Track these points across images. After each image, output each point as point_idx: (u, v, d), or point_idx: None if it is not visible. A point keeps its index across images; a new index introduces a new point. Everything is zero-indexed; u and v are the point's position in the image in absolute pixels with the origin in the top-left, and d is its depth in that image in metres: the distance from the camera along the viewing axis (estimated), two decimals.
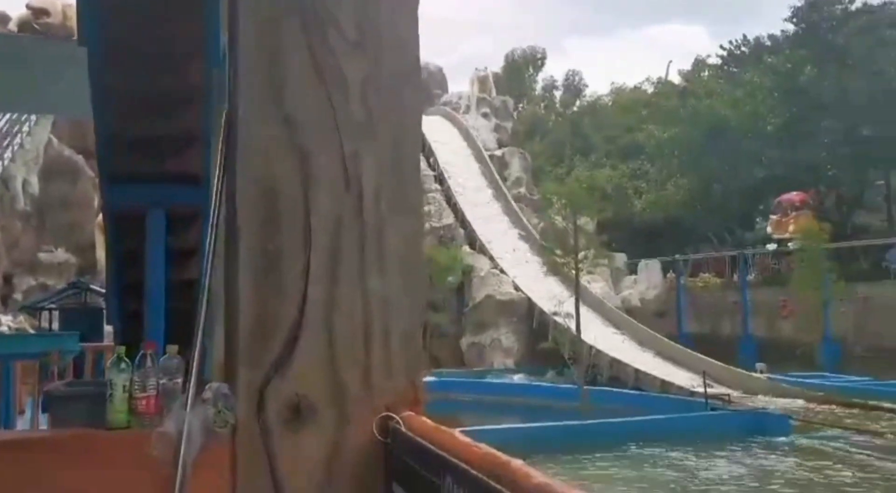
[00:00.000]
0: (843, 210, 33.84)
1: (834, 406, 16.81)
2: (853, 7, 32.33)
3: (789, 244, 29.70)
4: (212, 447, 2.49)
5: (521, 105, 43.59)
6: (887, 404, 16.23)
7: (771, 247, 30.96)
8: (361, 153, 2.72)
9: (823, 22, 31.78)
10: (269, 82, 2.66)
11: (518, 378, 22.88)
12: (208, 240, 2.80)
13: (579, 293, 17.83)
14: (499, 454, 1.90)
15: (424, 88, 37.79)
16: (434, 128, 35.72)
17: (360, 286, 2.67)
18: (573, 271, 17.79)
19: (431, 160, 33.83)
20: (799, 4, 32.60)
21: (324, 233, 2.64)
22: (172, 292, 4.89)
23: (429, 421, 2.52)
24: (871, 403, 16.57)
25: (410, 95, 2.90)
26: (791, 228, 29.71)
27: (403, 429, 2.51)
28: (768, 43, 40.74)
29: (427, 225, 29.53)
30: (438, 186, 32.30)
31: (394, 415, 2.58)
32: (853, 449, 13.07)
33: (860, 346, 27.48)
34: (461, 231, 30.08)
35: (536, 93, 44.98)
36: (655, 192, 36.51)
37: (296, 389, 2.54)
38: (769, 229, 31.11)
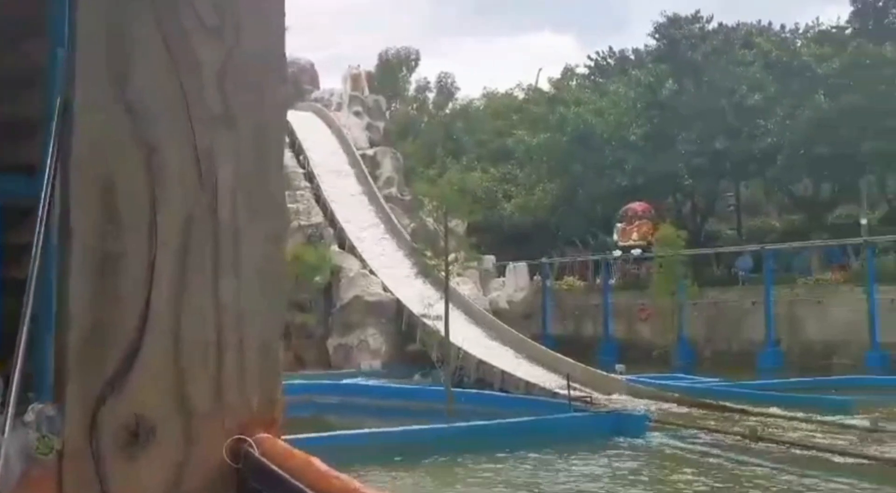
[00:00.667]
0: (698, 218, 35.68)
1: (686, 407, 17.59)
2: (710, 27, 34.17)
3: (632, 251, 31.26)
4: (34, 475, 2.18)
5: (393, 105, 43.53)
6: (733, 405, 17.13)
7: (616, 253, 32.50)
8: (217, 147, 2.48)
9: (683, 39, 33.41)
10: (111, 65, 2.37)
11: (385, 381, 22.73)
12: (36, 239, 2.47)
13: (449, 295, 17.87)
14: (358, 485, 1.73)
15: (295, 83, 37.06)
16: (305, 124, 35.04)
17: (211, 293, 2.42)
18: (443, 273, 17.81)
19: (301, 157, 33.16)
20: (662, 21, 34.13)
21: (172, 233, 2.38)
22: (3, 294, 4.41)
23: (286, 445, 2.30)
24: (720, 403, 17.45)
25: (274, 86, 2.68)
26: (634, 235, 31.63)
27: (257, 454, 2.28)
28: (633, 56, 42.52)
29: (295, 223, 28.90)
30: (308, 184, 31.70)
31: (247, 437, 2.36)
32: (704, 449, 13.68)
33: (711, 348, 29.06)
34: (330, 230, 29.62)
35: (409, 93, 45.06)
36: (524, 196, 37.30)
37: (134, 408, 2.27)
38: (615, 237, 32.71)
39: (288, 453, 2.25)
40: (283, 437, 2.42)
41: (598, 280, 34.50)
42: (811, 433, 14.46)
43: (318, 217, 30.04)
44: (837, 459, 12.38)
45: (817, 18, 39.55)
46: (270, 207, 2.59)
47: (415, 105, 44.55)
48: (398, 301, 25.83)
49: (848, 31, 33.34)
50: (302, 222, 29.05)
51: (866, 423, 14.61)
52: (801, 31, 37.52)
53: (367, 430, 14.65)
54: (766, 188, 35.95)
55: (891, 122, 28.37)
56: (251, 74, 2.57)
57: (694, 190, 35.10)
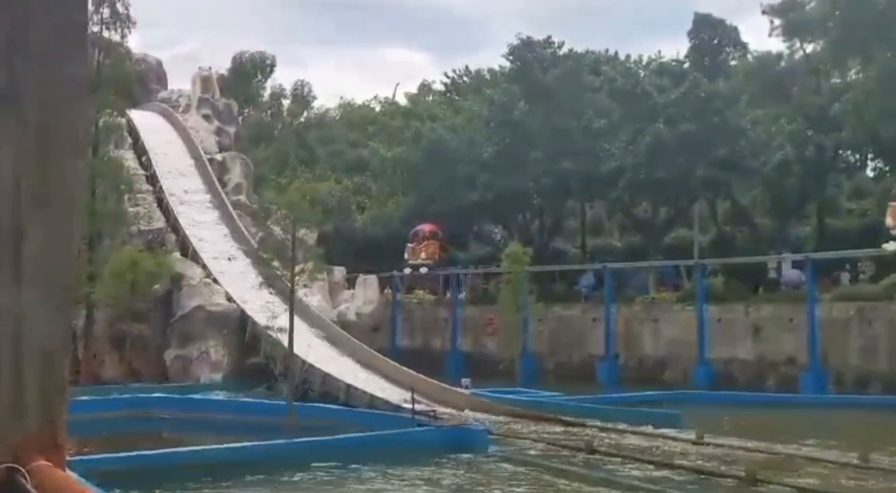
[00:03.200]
0: (545, 236, 36.78)
1: (528, 420, 17.91)
2: (561, 52, 35.41)
3: (421, 269, 33.57)
4: None
5: (246, 110, 42.35)
6: (572, 418, 17.61)
7: (406, 271, 33.94)
8: None
9: (536, 62, 34.44)
10: None
11: (225, 394, 21.85)
12: None
13: (294, 306, 17.39)
14: None
15: (141, 82, 35.27)
16: (149, 125, 33.43)
17: None
18: (290, 284, 17.32)
19: (144, 158, 31.56)
20: (515, 43, 35.03)
21: None
22: None
23: (65, 475, 1.98)
24: (560, 417, 17.89)
25: (73, 66, 2.37)
26: (423, 255, 33.58)
27: (29, 486, 1.96)
28: (487, 76, 43.47)
29: (135, 228, 27.41)
30: (150, 187, 30.19)
31: (19, 466, 2.03)
32: (543, 462, 13.91)
33: (554, 361, 29.91)
34: (172, 236, 28.30)
35: (263, 99, 43.95)
36: (377, 208, 37.17)
37: None
38: (406, 256, 33.84)
39: (64, 484, 1.94)
40: (82, 457, 2.09)
41: (447, 294, 34.82)
42: (642, 445, 15.05)
43: (159, 222, 28.63)
44: (665, 471, 12.91)
45: (659, 52, 41.97)
46: (60, 200, 2.28)
47: (269, 112, 43.50)
48: (242, 312, 24.97)
49: (686, 65, 35.45)
50: (142, 227, 27.60)
51: (692, 435, 15.37)
52: (644, 62, 39.60)
53: (199, 447, 13.96)
54: (608, 209, 37.56)
55: (721, 151, 30.38)
56: (43, 47, 2.26)
57: (542, 208, 36.16)
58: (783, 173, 29.75)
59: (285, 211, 17.53)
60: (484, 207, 35.14)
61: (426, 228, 34.01)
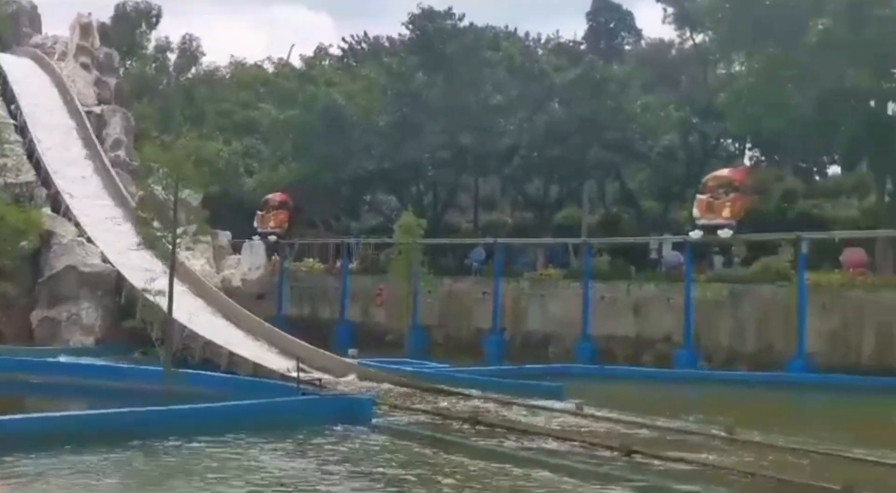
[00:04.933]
0: (438, 209, 36.74)
1: (414, 391, 17.88)
2: (461, 24, 35.18)
3: (269, 237, 33.76)
4: None
5: (129, 62, 40.12)
6: (458, 389, 17.69)
7: (256, 238, 33.76)
8: None
9: (436, 33, 34.09)
10: None
11: (96, 359, 20.82)
12: None
13: (174, 269, 16.63)
14: None
15: (12, 24, 32.83)
16: (20, 70, 31.22)
17: None
18: (170, 246, 16.53)
19: (13, 107, 29.50)
20: (416, 12, 34.56)
21: None
22: None
23: None
24: (446, 388, 17.94)
25: None
26: (271, 223, 34.22)
27: None
28: (387, 44, 42.79)
29: (1, 181, 25.63)
30: (20, 138, 28.24)
31: None
32: (428, 432, 13.86)
33: (443, 334, 30.05)
34: (43, 191, 26.60)
35: (148, 52, 41.70)
36: (267, 172, 36.15)
37: None
38: (255, 223, 34.62)
39: None
40: None
41: (338, 263, 34.37)
42: (525, 417, 15.25)
43: (28, 175, 26.85)
44: (545, 442, 13.11)
45: (557, 31, 42.41)
46: None
47: (153, 65, 41.31)
48: (118, 273, 23.80)
49: (583, 47, 35.96)
50: (9, 180, 25.82)
51: (573, 407, 15.69)
52: (542, 40, 39.96)
53: (69, 412, 13.22)
54: (502, 185, 37.86)
55: (612, 134, 31.04)
56: None
57: (436, 181, 36.05)
58: (668, 158, 30.70)
59: (168, 170, 16.65)
60: (378, 176, 34.73)
61: (276, 197, 34.33)
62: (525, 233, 33.35)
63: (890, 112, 26.59)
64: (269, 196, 34.67)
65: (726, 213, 25.91)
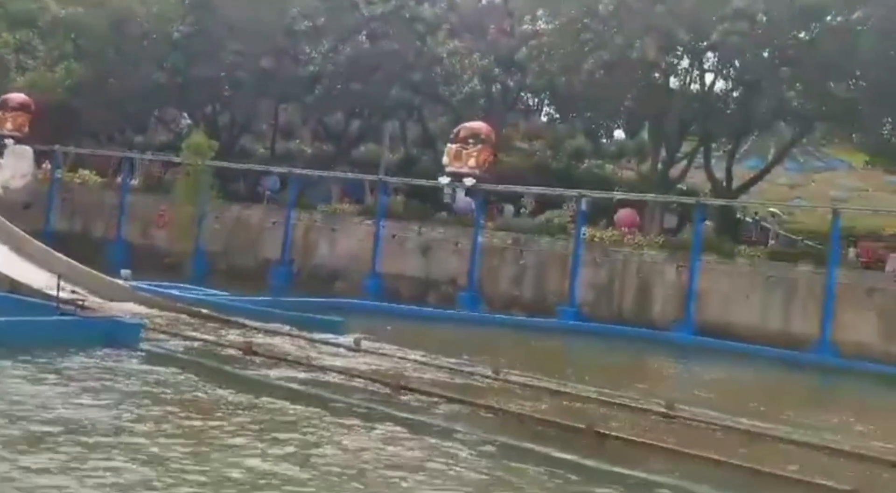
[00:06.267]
0: (233, 133, 35.26)
1: (187, 317, 17.25)
2: None
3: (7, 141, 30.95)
4: None
5: None
6: (235, 318, 17.29)
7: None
8: None
9: None
10: None
11: None
12: None
13: None
14: None
15: None
16: None
17: None
18: None
19: None
20: None
21: None
22: None
23: None
24: (223, 316, 17.45)
25: None
26: (9, 125, 31.50)
27: None
28: None
29: None
30: None
31: None
32: (198, 360, 13.46)
33: (227, 262, 29.16)
34: None
35: None
36: (43, 71, 32.83)
37: None
38: None
39: None
40: None
41: (118, 178, 32.20)
42: (302, 349, 15.21)
43: None
44: (320, 374, 13.17)
45: None
46: None
47: None
48: None
49: None
50: None
51: (351, 341, 15.85)
52: None
53: None
54: (303, 115, 36.93)
55: (416, 75, 31.09)
56: None
57: (233, 103, 34.50)
58: (469, 106, 31.27)
59: None
60: (170, 91, 32.63)
61: (16, 97, 31.77)
62: (323, 165, 32.90)
63: (671, 85, 28.63)
64: (7, 96, 31.72)
65: (472, 163, 27.08)
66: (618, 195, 28.59)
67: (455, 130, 28.30)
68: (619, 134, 37.37)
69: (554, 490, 8.79)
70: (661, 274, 24.54)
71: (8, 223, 21.74)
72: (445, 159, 27.75)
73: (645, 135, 32.87)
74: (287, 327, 16.87)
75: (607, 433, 10.59)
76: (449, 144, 27.97)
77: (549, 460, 9.56)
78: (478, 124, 28.29)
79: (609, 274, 25.18)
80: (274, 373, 13.00)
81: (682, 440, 10.62)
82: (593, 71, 26.53)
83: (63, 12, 32.28)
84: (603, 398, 13.27)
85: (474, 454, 9.62)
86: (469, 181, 27.18)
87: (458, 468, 9.05)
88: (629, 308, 24.68)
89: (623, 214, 27.91)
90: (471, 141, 27.40)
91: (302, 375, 13.02)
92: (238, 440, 9.22)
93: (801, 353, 21.17)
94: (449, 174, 27.59)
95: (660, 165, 29.61)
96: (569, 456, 9.69)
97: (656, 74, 27.59)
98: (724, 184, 29.27)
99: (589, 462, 9.55)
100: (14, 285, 18.04)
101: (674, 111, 27.43)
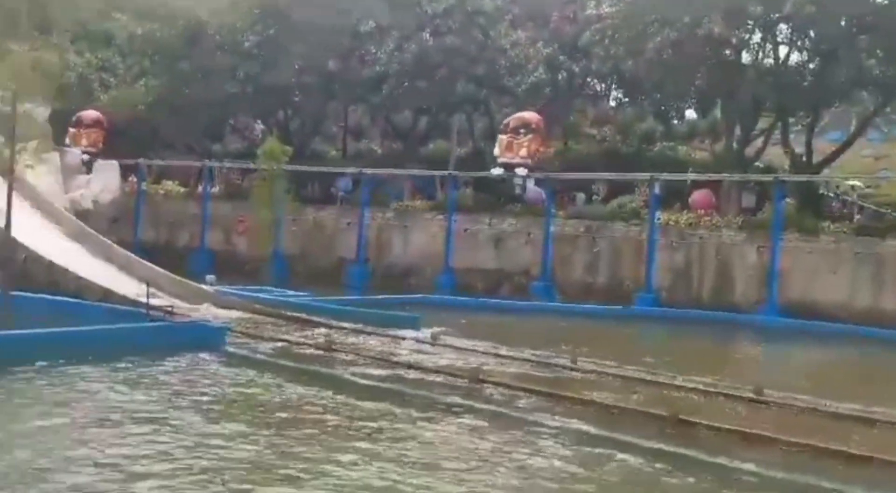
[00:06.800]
0: (305, 136, 35.94)
1: (270, 318, 17.75)
2: None
3: None
4: None
5: None
6: (315, 318, 17.70)
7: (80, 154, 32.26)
8: None
9: None
10: None
11: None
12: None
13: (12, 187, 15.61)
14: None
15: None
16: None
17: None
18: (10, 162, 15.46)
19: None
20: None
21: None
22: None
23: None
24: (303, 316, 17.90)
25: None
26: (84, 141, 32.23)
27: None
28: None
29: None
30: None
31: None
32: (282, 361, 13.85)
33: (305, 264, 29.80)
34: None
35: None
36: (124, 89, 34.14)
37: None
38: (67, 140, 32.29)
39: None
40: None
41: (199, 188, 33.23)
42: (381, 346, 15.48)
43: None
44: (400, 370, 13.39)
45: None
46: None
47: None
48: None
49: None
50: None
51: (428, 336, 16.04)
52: None
53: None
54: (371, 115, 37.37)
55: (481, 69, 31.12)
56: None
57: (303, 107, 35.16)
58: (535, 96, 31.13)
59: (6, 80, 15.46)
60: (243, 99, 33.48)
61: (90, 115, 32.80)
62: (393, 164, 33.23)
63: (744, 61, 27.89)
64: (82, 113, 32.75)
65: (523, 152, 27.42)
66: (692, 177, 28.04)
67: (506, 121, 28.51)
68: (690, 114, 36.60)
69: (639, 480, 8.76)
70: (742, 255, 24.00)
71: (99, 235, 22.80)
72: (497, 150, 28.07)
73: (718, 113, 32.10)
74: (365, 326, 17.18)
75: (692, 420, 10.48)
76: (500, 135, 28.23)
77: (632, 449, 9.52)
78: (528, 114, 28.42)
79: (686, 258, 24.77)
80: (355, 370, 13.29)
81: (772, 426, 10.41)
82: (660, 51, 26.06)
83: (140, 30, 33.45)
84: (686, 385, 13.11)
85: (557, 445, 9.65)
86: (522, 171, 27.56)
87: (541, 460, 9.11)
88: (709, 292, 24.22)
89: (699, 195, 27.36)
90: (522, 131, 27.62)
91: (382, 371, 13.27)
92: (326, 438, 9.48)
93: (892, 330, 20.41)
94: (501, 165, 27.85)
95: (735, 144, 28.90)
96: (653, 445, 9.63)
97: (727, 51, 26.92)
98: (804, 159, 28.37)
99: (673, 450, 9.47)
100: (106, 294, 18.92)
101: (747, 87, 26.70)
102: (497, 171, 28.09)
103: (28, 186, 21.22)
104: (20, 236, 18.00)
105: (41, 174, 23.98)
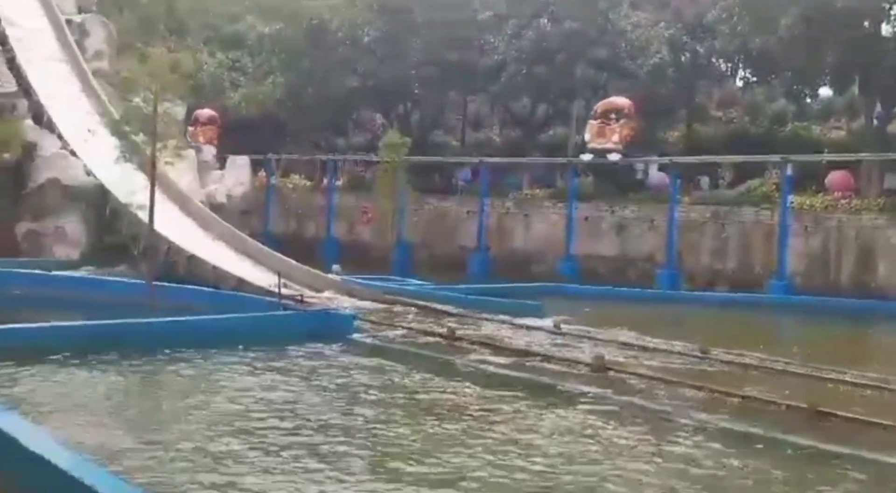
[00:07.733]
0: (425, 128, 36.39)
1: (395, 306, 18.11)
2: None
3: (198, 150, 31.17)
4: None
5: None
6: (439, 306, 17.94)
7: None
8: None
9: None
10: None
11: (83, 272, 20.91)
12: None
13: (155, 183, 16.56)
14: None
15: None
16: None
17: None
18: (151, 159, 16.40)
19: None
20: None
21: None
22: None
23: None
24: (427, 304, 18.18)
25: None
26: (201, 138, 32.23)
27: None
28: None
29: None
30: None
31: None
32: (406, 348, 14.14)
33: (427, 252, 30.25)
34: (24, 102, 26.12)
35: None
36: (253, 87, 35.58)
37: None
38: (188, 138, 32.42)
39: None
40: None
41: (324, 180, 34.26)
42: (503, 333, 15.53)
43: (9, 85, 26.31)
44: (522, 358, 13.39)
45: None
46: None
47: None
48: (102, 187, 23.62)
49: None
50: None
51: (551, 324, 15.96)
52: None
53: (56, 323, 13.40)
54: (490, 104, 37.40)
55: (601, 52, 30.55)
56: None
57: (423, 99, 35.58)
58: (657, 78, 30.30)
59: (147, 81, 16.38)
60: (364, 93, 34.23)
61: (205, 112, 33.57)
62: (513, 152, 33.18)
63: (884, 33, 26.22)
64: (198, 112, 33.52)
65: (615, 138, 27.04)
66: (828, 157, 26.63)
67: (595, 107, 28.07)
68: (824, 92, 34.71)
69: (776, 472, 8.44)
70: (886, 239, 22.63)
71: (232, 228, 23.87)
72: (587, 136, 27.74)
73: (855, 90, 30.31)
74: (488, 313, 17.26)
75: (831, 411, 10.01)
76: (590, 121, 27.87)
77: (768, 441, 9.19)
78: (619, 99, 28.00)
79: (823, 243, 23.59)
80: (479, 358, 13.39)
81: None
82: (792, 27, 24.84)
83: (266, 30, 34.73)
84: (825, 376, 12.53)
85: (689, 436, 9.42)
86: (614, 156, 27.10)
87: (673, 451, 8.91)
88: (848, 278, 23.00)
89: (836, 177, 25.94)
90: (612, 116, 27.26)
91: (506, 359, 13.31)
92: (453, 425, 9.59)
93: None
94: (591, 151, 27.50)
95: (875, 121, 27.24)
96: (790, 437, 9.26)
97: (865, 23, 25.36)
98: None
99: (812, 443, 9.08)
100: (240, 284, 19.82)
101: (888, 61, 25.09)
102: (587, 157, 27.76)
103: (169, 182, 22.42)
104: (163, 230, 19.05)
105: (180, 171, 25.29)
